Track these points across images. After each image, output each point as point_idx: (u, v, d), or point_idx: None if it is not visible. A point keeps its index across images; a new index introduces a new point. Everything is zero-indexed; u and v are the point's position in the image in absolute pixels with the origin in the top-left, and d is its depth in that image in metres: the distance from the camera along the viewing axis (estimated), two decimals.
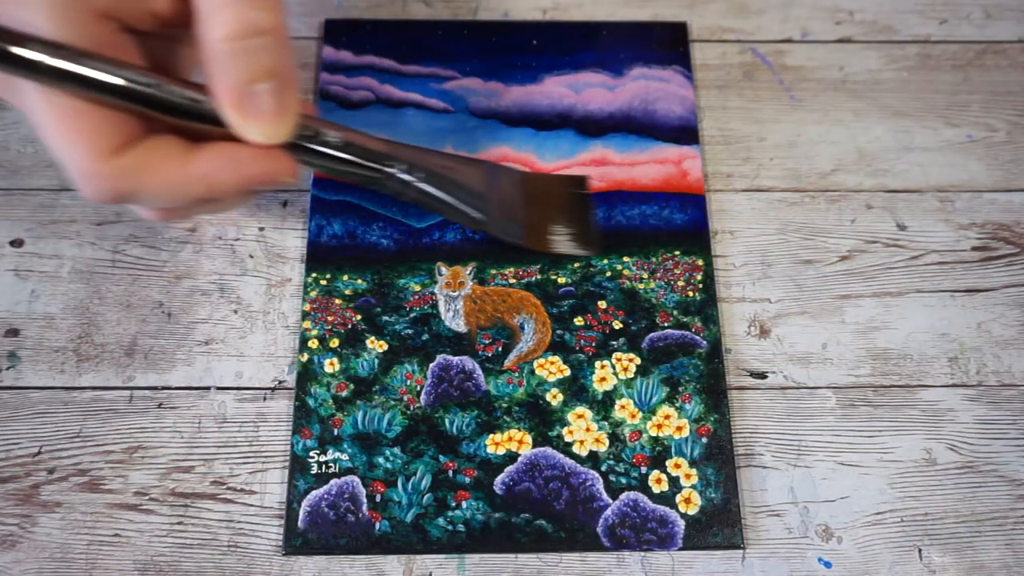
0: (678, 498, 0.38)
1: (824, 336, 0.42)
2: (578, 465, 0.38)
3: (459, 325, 0.41)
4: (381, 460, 0.38)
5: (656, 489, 0.38)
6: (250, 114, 0.28)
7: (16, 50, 0.25)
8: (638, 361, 0.41)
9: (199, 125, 0.29)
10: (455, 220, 0.40)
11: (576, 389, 0.40)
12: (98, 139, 0.27)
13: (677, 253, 0.43)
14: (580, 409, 0.40)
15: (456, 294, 0.42)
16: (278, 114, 0.28)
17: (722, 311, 0.42)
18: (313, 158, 0.32)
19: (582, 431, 0.39)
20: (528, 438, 0.39)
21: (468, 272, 0.42)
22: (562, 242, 0.42)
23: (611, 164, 0.45)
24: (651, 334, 0.41)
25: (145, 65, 0.29)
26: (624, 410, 0.40)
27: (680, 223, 0.44)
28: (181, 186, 0.29)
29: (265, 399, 0.40)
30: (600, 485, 0.38)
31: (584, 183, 0.43)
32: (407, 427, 0.39)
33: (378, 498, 0.37)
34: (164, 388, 0.40)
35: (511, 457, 0.38)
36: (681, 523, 0.37)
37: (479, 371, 0.40)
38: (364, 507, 0.37)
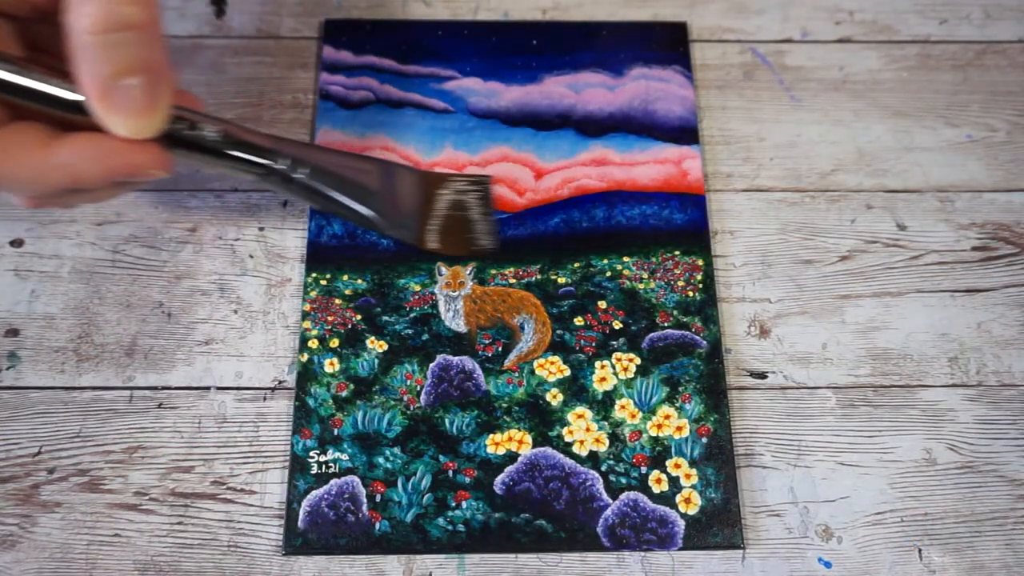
0: (678, 498, 0.38)
1: (824, 336, 0.42)
2: (578, 465, 0.38)
3: (459, 325, 0.41)
4: (381, 460, 0.38)
5: (656, 489, 0.38)
6: (115, 108, 0.27)
7: None
8: (638, 361, 0.41)
9: (66, 115, 0.28)
10: (347, 219, 0.38)
11: (576, 389, 0.40)
12: None
13: (677, 253, 0.43)
14: (580, 409, 0.40)
15: (456, 294, 0.42)
16: (145, 109, 0.28)
17: (722, 311, 0.42)
18: (190, 151, 0.31)
19: (582, 431, 0.39)
20: (528, 438, 0.39)
21: (468, 272, 0.42)
22: (458, 243, 0.41)
23: (611, 164, 0.45)
24: (651, 334, 0.41)
25: (15, 51, 0.28)
26: (624, 410, 0.40)
27: (680, 223, 0.44)
28: (41, 174, 0.28)
29: (265, 399, 0.40)
30: (600, 485, 0.38)
31: (486, 182, 0.43)
32: (407, 427, 0.39)
33: (378, 498, 0.37)
34: (164, 388, 0.40)
35: (511, 457, 0.38)
36: (681, 523, 0.37)
37: (479, 371, 0.40)
38: (364, 507, 0.37)
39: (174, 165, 0.31)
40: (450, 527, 0.37)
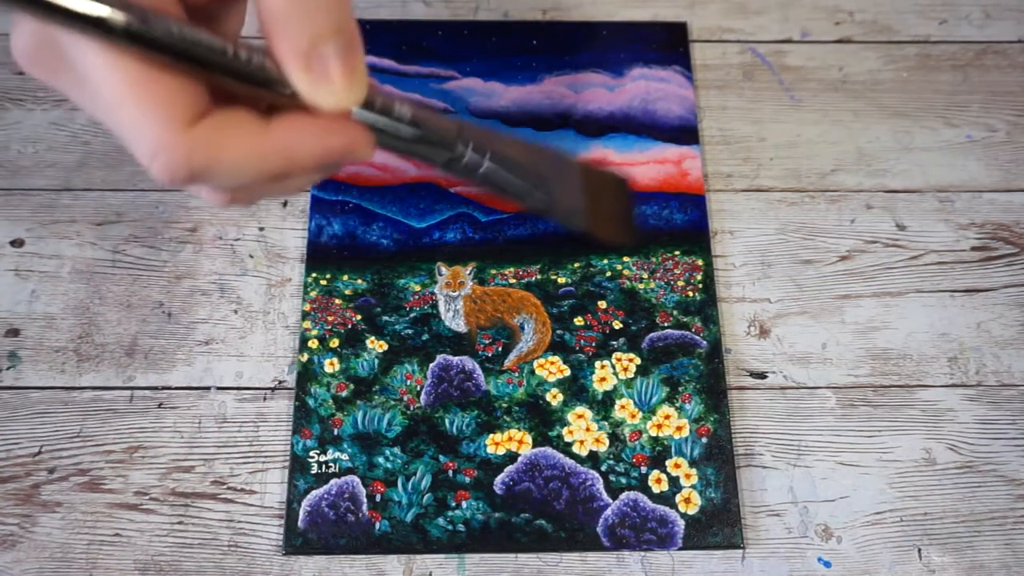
0: (678, 498, 0.38)
1: (824, 336, 0.42)
2: (578, 465, 0.38)
3: (459, 325, 0.41)
4: (381, 460, 0.38)
5: (656, 489, 0.38)
6: (319, 77, 0.26)
7: (84, 7, 0.24)
8: (638, 361, 0.41)
9: (267, 94, 0.27)
10: (518, 203, 0.38)
11: (576, 389, 0.40)
12: (173, 108, 0.25)
13: (677, 253, 0.43)
14: (580, 409, 0.40)
15: (456, 294, 0.42)
16: (348, 76, 0.26)
17: (722, 311, 0.42)
18: (382, 133, 0.31)
19: (582, 431, 0.39)
20: (528, 438, 0.39)
21: (468, 272, 0.42)
22: (617, 231, 0.41)
23: (611, 164, 0.45)
24: (651, 334, 0.41)
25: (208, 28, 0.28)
26: (624, 410, 0.40)
27: (680, 223, 0.44)
28: (259, 159, 0.27)
29: (265, 399, 0.40)
30: (600, 485, 0.38)
31: (628, 182, 0.43)
32: (407, 427, 0.39)
33: (378, 498, 0.37)
34: (164, 388, 0.40)
35: (511, 457, 0.38)
36: (681, 523, 0.37)
37: (479, 371, 0.40)
38: (364, 507, 0.37)
39: (373, 146, 0.31)
40: (450, 527, 0.37)
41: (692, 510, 0.37)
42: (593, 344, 0.41)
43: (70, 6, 0.24)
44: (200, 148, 0.26)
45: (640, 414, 0.39)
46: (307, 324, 0.41)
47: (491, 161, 0.35)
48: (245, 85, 0.27)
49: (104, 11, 0.24)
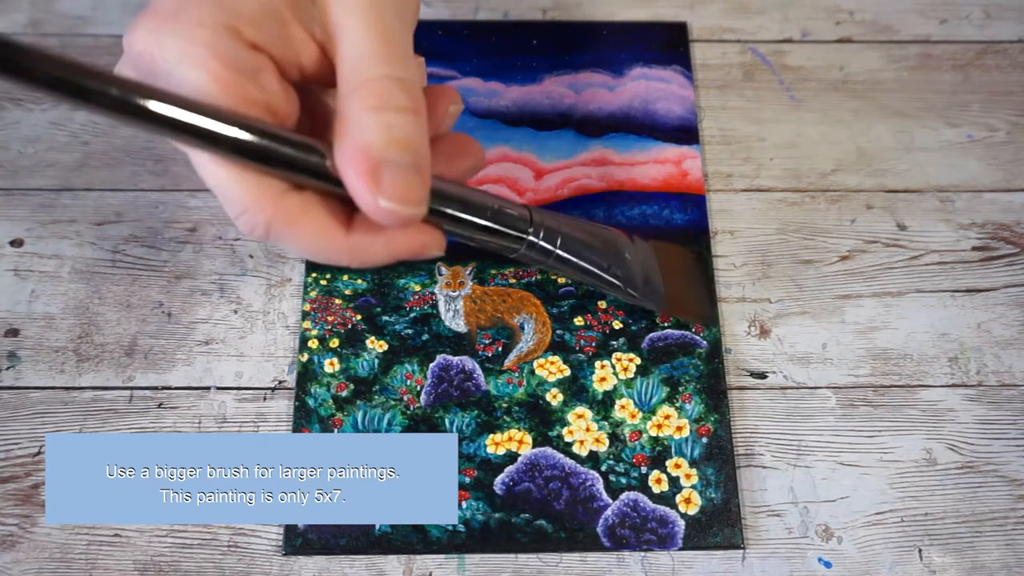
0: (678, 498, 0.38)
1: (824, 336, 0.42)
2: (578, 465, 0.38)
3: (459, 325, 0.41)
4: None
5: (656, 489, 0.38)
6: (379, 186, 0.26)
7: (150, 105, 0.24)
8: (638, 361, 0.41)
9: (311, 183, 0.27)
10: (592, 284, 0.38)
11: (576, 389, 0.40)
12: (264, 183, 0.26)
13: None
14: (580, 409, 0.40)
15: (456, 294, 0.42)
16: (408, 191, 0.26)
17: (722, 311, 0.42)
18: (457, 227, 0.30)
19: (582, 431, 0.39)
20: (528, 438, 0.39)
21: (468, 272, 0.42)
22: (695, 312, 0.41)
23: (611, 164, 0.45)
24: (651, 334, 0.41)
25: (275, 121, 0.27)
26: (624, 410, 0.40)
27: (680, 223, 0.44)
28: (331, 251, 0.28)
29: (265, 399, 0.40)
30: (600, 485, 0.38)
31: (701, 257, 0.42)
32: (407, 427, 0.39)
33: None
34: (164, 388, 0.40)
35: (511, 457, 0.38)
36: (681, 523, 0.37)
37: (479, 371, 0.40)
38: None
39: (444, 241, 0.30)
40: (450, 527, 0.37)
41: (692, 510, 0.37)
42: (593, 344, 0.41)
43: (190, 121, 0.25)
44: (280, 221, 0.27)
45: (640, 414, 0.39)
46: (307, 324, 0.41)
47: (562, 247, 0.34)
48: (299, 177, 0.27)
49: (214, 126, 0.25)
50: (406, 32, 0.28)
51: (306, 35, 0.27)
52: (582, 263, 0.36)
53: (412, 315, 0.41)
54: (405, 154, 0.26)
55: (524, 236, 0.33)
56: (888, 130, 0.47)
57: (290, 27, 0.27)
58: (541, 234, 0.34)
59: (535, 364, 0.41)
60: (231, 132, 0.25)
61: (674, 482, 0.38)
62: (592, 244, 0.36)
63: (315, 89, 0.30)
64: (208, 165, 0.26)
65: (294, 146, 0.26)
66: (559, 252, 0.34)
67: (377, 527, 0.37)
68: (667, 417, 0.39)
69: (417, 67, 0.28)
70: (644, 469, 0.38)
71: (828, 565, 0.37)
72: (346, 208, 0.28)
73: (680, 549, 0.37)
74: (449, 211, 0.30)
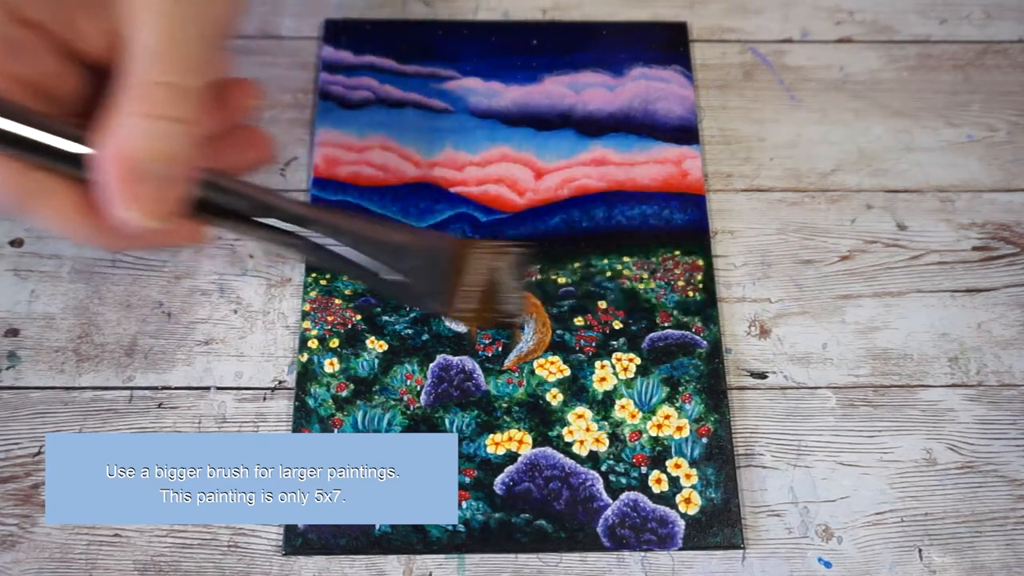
0: (678, 498, 0.38)
1: (824, 336, 0.42)
2: (578, 465, 0.38)
3: (459, 325, 0.41)
4: None
5: (656, 489, 0.38)
6: (131, 195, 0.26)
7: None
8: (638, 361, 0.41)
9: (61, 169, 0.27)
10: (372, 287, 0.37)
11: (576, 389, 0.40)
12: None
13: (677, 253, 0.43)
14: (580, 409, 0.40)
15: None
16: (157, 204, 0.27)
17: (722, 311, 0.42)
18: (222, 220, 0.31)
19: (582, 431, 0.39)
20: (528, 438, 0.39)
21: None
22: (485, 314, 0.39)
23: (611, 164, 0.45)
24: (651, 334, 0.41)
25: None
26: (624, 410, 0.40)
27: (680, 223, 0.44)
28: (83, 235, 0.28)
29: (265, 399, 0.40)
30: (600, 485, 0.38)
31: (521, 250, 0.39)
32: (407, 427, 0.39)
33: None
34: (164, 388, 0.40)
35: (511, 457, 0.38)
36: (681, 523, 0.37)
37: (479, 371, 0.40)
38: None
39: (207, 235, 0.31)
40: (450, 527, 0.37)
41: (692, 510, 0.37)
42: (593, 344, 0.41)
43: None
44: (28, 198, 0.27)
45: (640, 414, 0.39)
46: (307, 324, 0.41)
47: (343, 243, 0.33)
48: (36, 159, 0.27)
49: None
50: (202, 40, 0.27)
51: (96, 21, 0.27)
52: (358, 265, 0.35)
53: (412, 315, 0.41)
54: (162, 166, 0.26)
55: (297, 234, 0.33)
56: (888, 130, 0.47)
57: (76, 11, 0.27)
58: (315, 232, 0.33)
59: (535, 364, 0.41)
60: None
61: (674, 482, 0.38)
62: (372, 244, 0.35)
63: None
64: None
65: (45, 130, 0.26)
66: (335, 251, 0.34)
67: (377, 527, 0.37)
68: (667, 417, 0.39)
69: (212, 70, 0.28)
70: (644, 469, 0.38)
71: (828, 565, 0.37)
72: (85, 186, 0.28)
73: (680, 549, 0.37)
74: (212, 208, 0.30)
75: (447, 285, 0.37)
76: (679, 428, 0.39)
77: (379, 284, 0.36)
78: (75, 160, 0.27)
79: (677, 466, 0.38)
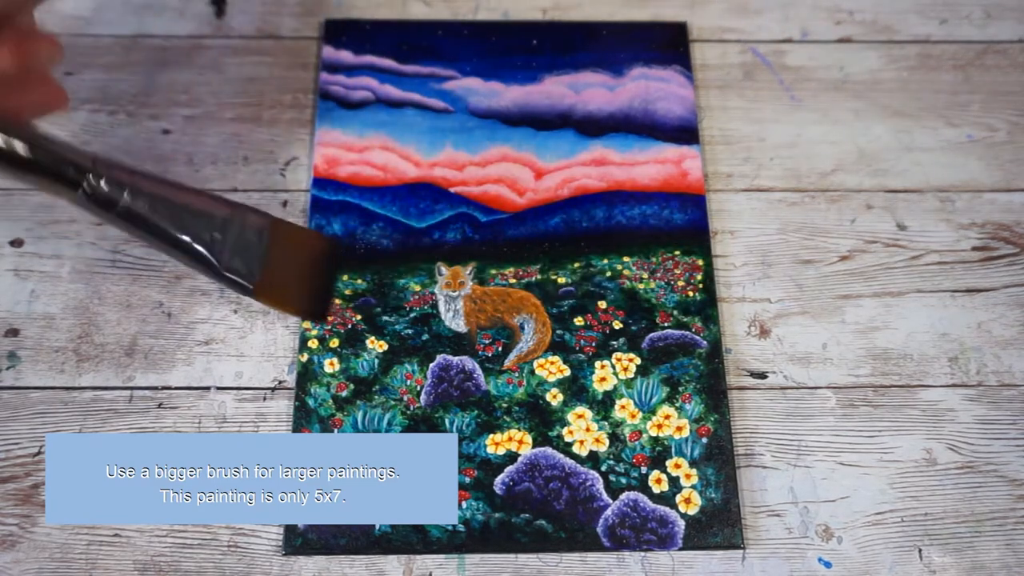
0: (678, 498, 0.38)
1: (824, 336, 0.42)
2: (578, 465, 0.38)
3: (459, 325, 0.41)
4: None
5: (656, 489, 0.38)
6: None
7: None
8: (638, 361, 0.41)
9: None
10: (174, 257, 0.34)
11: (576, 389, 0.40)
12: None
13: (677, 253, 0.43)
14: (580, 409, 0.40)
15: (456, 294, 0.42)
16: None
17: (722, 311, 0.42)
18: None
19: (582, 431, 0.39)
20: (528, 438, 0.39)
21: (468, 272, 0.42)
22: (289, 299, 0.37)
23: (611, 164, 0.45)
24: (651, 334, 0.41)
25: None
26: (624, 410, 0.40)
27: (680, 223, 0.44)
28: None
29: (265, 399, 0.40)
30: (600, 485, 0.38)
31: (335, 247, 0.38)
32: (407, 427, 0.39)
33: None
34: (164, 388, 0.40)
35: (511, 457, 0.38)
36: (681, 523, 0.37)
37: (479, 371, 0.40)
38: None
39: None
40: (450, 527, 0.37)
41: (692, 510, 0.37)
42: (593, 344, 0.41)
43: None
44: None
45: (640, 414, 0.39)
46: (307, 324, 0.41)
47: (132, 202, 0.30)
48: None
49: None
50: None
51: None
52: (155, 223, 0.32)
53: (412, 315, 0.41)
54: None
55: (79, 181, 0.30)
56: (888, 130, 0.47)
57: None
58: (102, 182, 0.31)
59: (535, 364, 0.41)
60: None
61: (674, 482, 0.38)
62: (173, 207, 0.32)
63: None
64: None
65: None
66: (127, 206, 0.31)
67: (377, 527, 0.37)
68: (667, 417, 0.39)
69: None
70: (644, 469, 0.38)
71: (828, 565, 0.37)
72: None
73: (680, 549, 0.37)
74: None
75: (257, 263, 0.34)
76: (679, 428, 0.39)
77: (181, 254, 0.33)
78: None
79: (677, 466, 0.38)
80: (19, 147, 0.30)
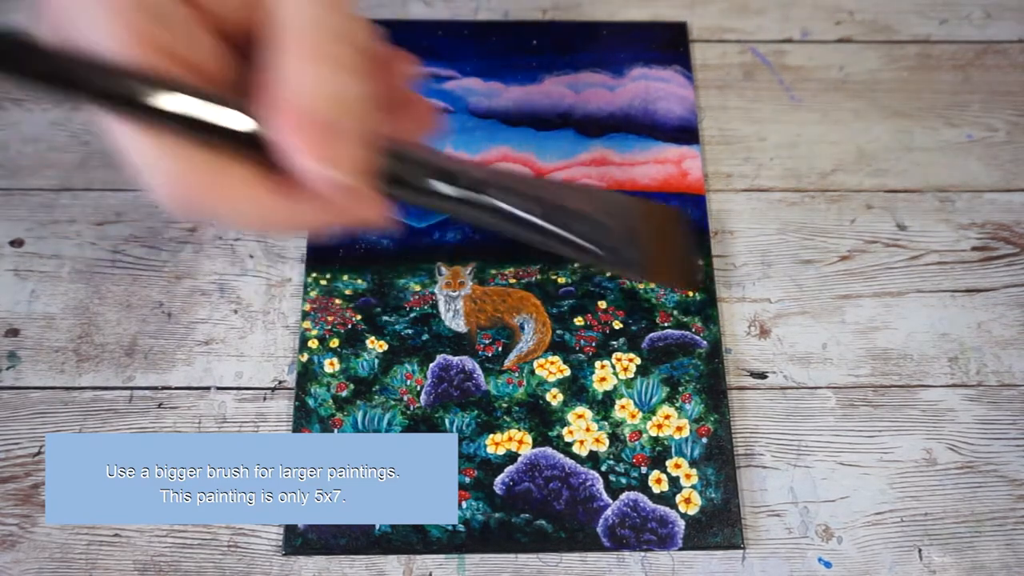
0: (678, 498, 0.38)
1: (824, 336, 0.42)
2: (578, 465, 0.38)
3: (459, 325, 0.41)
4: None
5: (656, 489, 0.38)
6: (323, 150, 0.23)
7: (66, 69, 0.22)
8: (638, 361, 0.41)
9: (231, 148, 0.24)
10: (561, 252, 0.32)
11: (576, 389, 0.40)
12: (190, 146, 0.24)
13: None
14: (580, 409, 0.40)
15: (456, 294, 0.42)
16: (351, 156, 0.23)
17: (722, 311, 0.42)
18: (410, 193, 0.27)
19: (582, 431, 0.39)
20: (528, 438, 0.39)
21: (468, 272, 0.42)
22: (679, 276, 0.36)
23: (611, 164, 0.45)
24: (651, 334, 0.41)
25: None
26: (624, 410, 0.40)
27: None
28: (265, 220, 0.25)
29: (265, 399, 0.40)
30: (600, 485, 0.38)
31: (685, 215, 0.38)
32: (407, 427, 0.39)
33: None
34: (164, 388, 0.40)
35: (511, 457, 0.38)
36: (681, 523, 0.37)
37: (479, 371, 0.40)
38: None
39: (393, 214, 0.27)
40: (450, 527, 0.37)
41: (692, 510, 0.37)
42: (593, 344, 0.41)
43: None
44: (211, 190, 0.24)
45: (640, 414, 0.39)
46: (307, 324, 0.41)
47: (527, 205, 0.30)
48: (200, 137, 0.24)
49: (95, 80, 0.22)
50: None
51: None
52: (563, 233, 0.31)
53: (412, 315, 0.41)
54: (348, 115, 0.23)
55: (493, 204, 0.29)
56: (888, 130, 0.47)
57: None
58: (504, 197, 0.29)
59: (535, 364, 0.41)
60: (161, 97, 0.22)
61: (674, 482, 0.38)
62: (563, 205, 0.32)
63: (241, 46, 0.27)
64: (127, 134, 0.24)
65: (223, 105, 0.23)
66: (539, 223, 0.30)
67: (377, 527, 0.37)
68: (667, 417, 0.39)
69: (364, 24, 0.25)
70: (644, 469, 0.38)
71: (828, 565, 0.37)
72: (275, 171, 0.25)
73: (680, 549, 0.37)
74: (394, 179, 0.26)
75: (634, 245, 0.34)
76: (679, 428, 0.39)
77: (569, 249, 0.32)
78: (248, 137, 0.24)
79: (677, 466, 0.38)
80: (425, 177, 0.27)
